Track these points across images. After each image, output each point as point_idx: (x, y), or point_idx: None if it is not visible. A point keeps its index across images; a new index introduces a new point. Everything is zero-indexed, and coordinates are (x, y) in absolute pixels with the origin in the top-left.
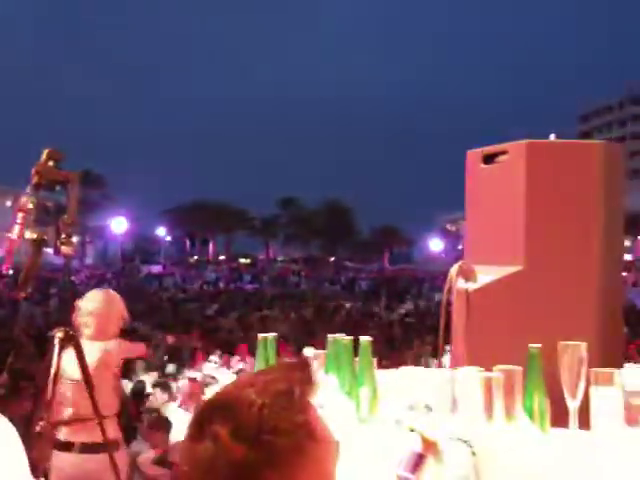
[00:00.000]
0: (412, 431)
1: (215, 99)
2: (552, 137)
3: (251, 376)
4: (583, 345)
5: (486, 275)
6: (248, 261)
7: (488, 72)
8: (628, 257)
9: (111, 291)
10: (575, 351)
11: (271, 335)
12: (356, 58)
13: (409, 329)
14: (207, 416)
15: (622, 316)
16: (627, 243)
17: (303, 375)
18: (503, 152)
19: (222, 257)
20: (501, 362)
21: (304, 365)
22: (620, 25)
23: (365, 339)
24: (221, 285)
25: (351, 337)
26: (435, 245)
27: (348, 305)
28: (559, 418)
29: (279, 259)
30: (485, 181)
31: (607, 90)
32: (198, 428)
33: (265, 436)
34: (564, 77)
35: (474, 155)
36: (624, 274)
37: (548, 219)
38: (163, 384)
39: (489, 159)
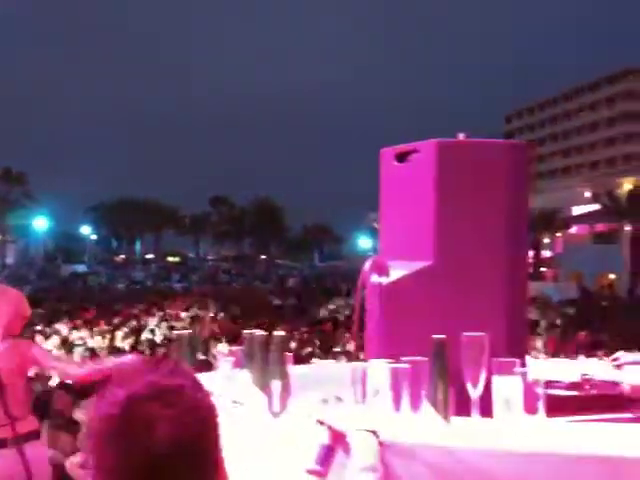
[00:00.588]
0: (321, 424)
1: (142, 98)
2: (461, 136)
3: (147, 365)
4: (484, 336)
5: (398, 270)
6: (177, 260)
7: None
8: (547, 253)
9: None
10: (476, 342)
11: (186, 332)
12: (292, 57)
13: (339, 325)
14: (139, 408)
15: (527, 309)
16: (546, 240)
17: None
18: (415, 150)
19: (150, 256)
20: (414, 354)
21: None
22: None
23: (278, 334)
24: (149, 284)
25: (265, 333)
26: (364, 243)
27: (278, 302)
28: (466, 407)
29: (209, 258)
30: (398, 179)
31: (532, 91)
32: (131, 423)
33: (204, 412)
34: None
35: (388, 153)
36: (543, 269)
37: (457, 216)
38: (69, 386)
39: (402, 157)
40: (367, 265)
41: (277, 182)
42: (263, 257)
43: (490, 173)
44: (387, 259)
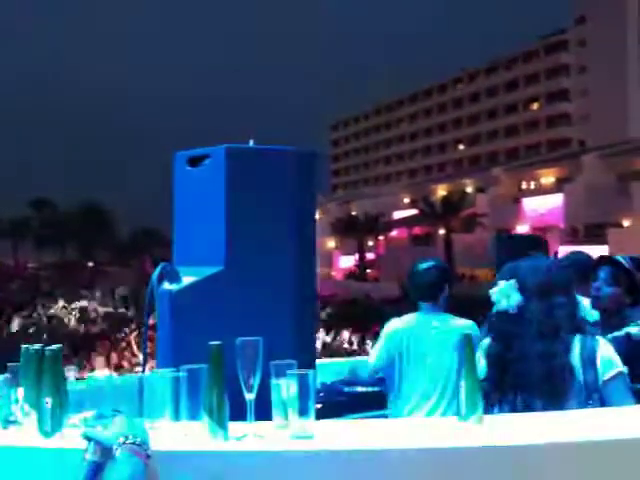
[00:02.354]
0: (88, 439)
1: None
2: (251, 142)
3: None
4: (258, 340)
5: (190, 276)
6: None
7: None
8: (371, 255)
9: None
10: (251, 346)
11: None
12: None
13: None
14: None
15: (316, 310)
16: (370, 243)
17: None
18: (207, 155)
19: None
20: (206, 361)
21: None
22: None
23: (53, 348)
24: None
25: (41, 346)
26: None
27: (102, 310)
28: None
29: (30, 265)
30: (191, 183)
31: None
32: None
33: None
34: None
35: (181, 157)
36: (368, 270)
37: (247, 221)
38: None
39: (195, 162)
40: (156, 272)
41: (103, 185)
42: (89, 264)
43: (278, 179)
44: (179, 265)
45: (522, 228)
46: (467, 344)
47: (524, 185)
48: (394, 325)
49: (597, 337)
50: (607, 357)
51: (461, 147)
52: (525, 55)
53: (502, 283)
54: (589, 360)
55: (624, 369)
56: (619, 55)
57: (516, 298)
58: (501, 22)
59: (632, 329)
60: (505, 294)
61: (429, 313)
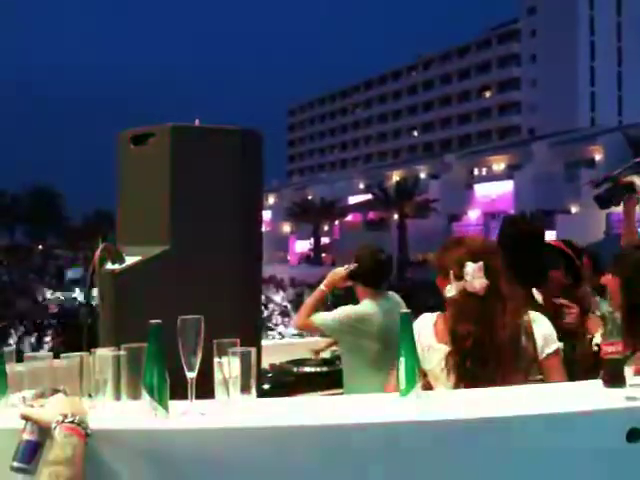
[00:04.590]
0: (26, 419)
1: None
2: (197, 122)
3: None
4: (199, 319)
5: (134, 256)
6: None
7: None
8: (326, 240)
9: None
10: (191, 325)
11: None
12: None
13: None
14: None
15: (260, 291)
16: (325, 227)
17: None
18: (151, 134)
19: None
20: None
21: None
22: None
23: None
24: None
25: None
26: None
27: (50, 295)
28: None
29: None
30: (134, 162)
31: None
32: None
33: None
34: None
35: (124, 136)
36: (323, 255)
37: (192, 200)
38: None
39: (139, 141)
40: (99, 251)
41: (55, 168)
42: (40, 247)
43: (224, 157)
44: (123, 245)
45: (474, 214)
46: (407, 322)
47: (476, 171)
48: None
49: (530, 312)
50: (548, 333)
51: (415, 134)
52: (478, 44)
53: (471, 264)
54: (526, 333)
55: (560, 345)
56: (568, 45)
57: (485, 280)
58: (457, 10)
59: None
60: (474, 276)
61: None
